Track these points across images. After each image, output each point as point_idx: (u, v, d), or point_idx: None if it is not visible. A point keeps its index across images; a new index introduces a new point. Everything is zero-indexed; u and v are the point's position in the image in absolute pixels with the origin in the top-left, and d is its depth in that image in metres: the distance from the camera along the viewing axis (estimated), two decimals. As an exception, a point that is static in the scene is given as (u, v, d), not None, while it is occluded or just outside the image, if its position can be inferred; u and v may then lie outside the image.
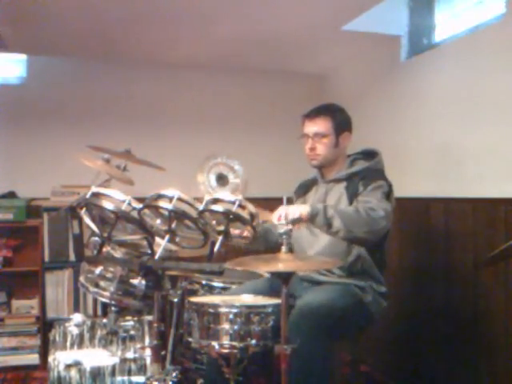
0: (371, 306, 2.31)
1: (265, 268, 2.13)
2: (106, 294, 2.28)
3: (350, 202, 2.33)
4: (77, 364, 2.13)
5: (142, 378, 2.14)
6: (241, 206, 1.99)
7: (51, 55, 3.90)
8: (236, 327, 1.88)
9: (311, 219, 2.12)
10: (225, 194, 2.07)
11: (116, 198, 1.98)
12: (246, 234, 2.22)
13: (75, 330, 2.31)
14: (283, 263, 1.80)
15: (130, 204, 1.97)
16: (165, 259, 2.04)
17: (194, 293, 2.51)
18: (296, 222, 2.08)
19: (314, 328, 2.03)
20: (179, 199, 1.94)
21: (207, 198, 2.03)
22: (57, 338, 2.29)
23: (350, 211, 2.18)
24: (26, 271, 3.64)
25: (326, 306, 2.10)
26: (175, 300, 2.13)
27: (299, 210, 2.10)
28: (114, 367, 2.16)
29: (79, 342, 2.29)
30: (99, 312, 3.56)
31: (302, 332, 1.96)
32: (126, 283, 2.27)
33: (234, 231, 2.20)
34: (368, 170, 2.39)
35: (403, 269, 3.19)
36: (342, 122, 2.45)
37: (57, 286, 3.62)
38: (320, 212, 2.11)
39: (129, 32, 3.36)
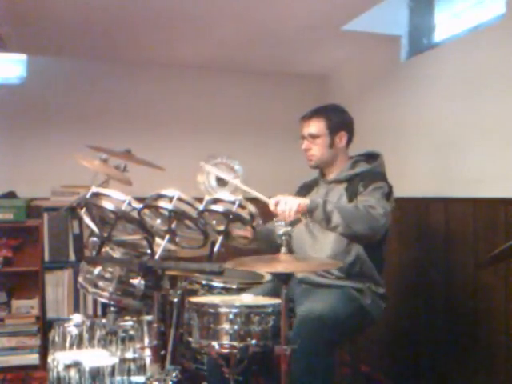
0: (371, 308, 2.31)
1: (264, 268, 2.14)
2: (105, 294, 2.29)
3: (350, 203, 2.32)
4: (76, 364, 2.13)
5: (141, 378, 2.14)
6: (241, 206, 1.99)
7: (51, 55, 3.89)
8: (236, 327, 1.88)
9: (310, 213, 2.12)
10: (225, 194, 2.07)
11: (116, 198, 1.98)
12: (246, 234, 2.22)
13: (75, 331, 2.31)
14: (283, 264, 1.81)
15: (130, 204, 1.97)
16: (165, 259, 2.04)
17: (194, 293, 2.51)
18: (294, 222, 2.09)
19: (315, 339, 2.04)
20: (179, 199, 1.94)
21: (207, 198, 2.03)
22: (56, 339, 2.29)
23: (349, 207, 2.20)
24: (26, 271, 3.64)
25: (327, 319, 2.09)
26: (175, 300, 2.13)
27: (298, 201, 2.10)
28: (113, 367, 2.15)
29: (79, 342, 2.29)
30: (99, 312, 3.56)
31: (303, 342, 1.97)
32: (125, 283, 2.27)
33: (237, 232, 2.20)
34: (369, 172, 2.39)
35: (403, 269, 3.19)
36: (336, 123, 2.44)
37: (57, 286, 3.62)
38: (319, 206, 2.11)
39: (129, 32, 3.36)
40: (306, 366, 2.01)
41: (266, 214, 2.18)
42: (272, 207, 2.11)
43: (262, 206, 2.12)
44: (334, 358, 2.15)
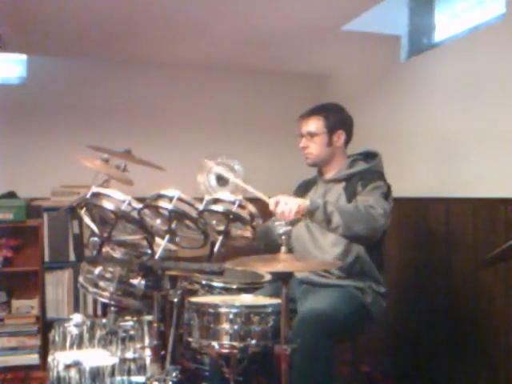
0: (371, 306, 2.32)
1: (265, 268, 2.14)
2: (106, 294, 2.29)
3: (349, 202, 2.32)
4: (76, 364, 2.13)
5: (141, 378, 2.14)
6: (241, 206, 1.99)
7: (51, 55, 3.89)
8: (236, 327, 1.88)
9: (310, 214, 2.11)
10: (225, 194, 2.07)
11: (116, 198, 1.98)
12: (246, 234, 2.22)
13: (75, 330, 2.31)
14: (283, 263, 1.80)
15: (130, 204, 1.97)
16: (165, 259, 2.04)
17: (194, 293, 2.51)
18: (294, 221, 2.08)
19: (316, 335, 2.03)
20: (179, 199, 1.94)
21: (207, 198, 2.03)
22: (56, 338, 2.29)
23: (349, 208, 2.19)
24: (26, 271, 3.64)
25: (329, 313, 2.10)
26: (175, 300, 2.13)
27: (298, 202, 2.10)
28: (113, 367, 2.16)
29: (79, 342, 2.29)
30: (99, 312, 3.56)
31: (304, 339, 1.97)
32: (126, 283, 2.27)
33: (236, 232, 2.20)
34: (367, 171, 2.40)
35: (403, 269, 3.19)
36: (335, 121, 2.45)
37: (57, 286, 3.62)
38: (319, 207, 2.10)
39: (128, 32, 3.36)
40: (307, 363, 2.00)
41: (266, 213, 2.17)
42: (272, 207, 2.11)
43: (261, 206, 2.12)
44: (334, 355, 2.14)
